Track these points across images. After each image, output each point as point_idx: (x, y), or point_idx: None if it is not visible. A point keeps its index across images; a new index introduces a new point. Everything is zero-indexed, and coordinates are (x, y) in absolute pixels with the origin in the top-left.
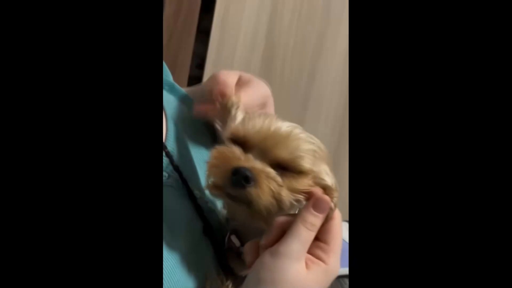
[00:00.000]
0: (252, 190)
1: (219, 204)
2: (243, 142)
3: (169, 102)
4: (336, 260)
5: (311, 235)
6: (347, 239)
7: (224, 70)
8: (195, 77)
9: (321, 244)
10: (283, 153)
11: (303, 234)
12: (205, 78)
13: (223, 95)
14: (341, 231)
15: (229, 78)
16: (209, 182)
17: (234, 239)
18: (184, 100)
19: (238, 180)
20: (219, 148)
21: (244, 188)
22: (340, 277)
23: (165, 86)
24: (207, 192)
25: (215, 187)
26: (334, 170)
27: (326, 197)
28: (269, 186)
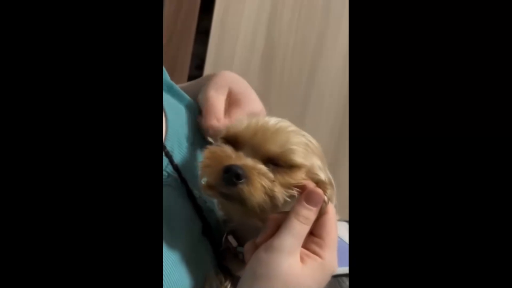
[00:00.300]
0: (244, 187)
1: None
2: (234, 141)
3: (169, 102)
4: (332, 255)
5: (305, 228)
6: (345, 239)
7: (223, 70)
8: (194, 78)
9: (316, 239)
10: (273, 148)
11: (296, 228)
12: None
13: (211, 128)
14: (335, 225)
15: (218, 101)
16: (203, 182)
17: (231, 239)
18: (189, 106)
19: (229, 178)
20: (211, 148)
21: (235, 185)
22: (338, 276)
23: (163, 86)
24: None
25: (209, 187)
26: (334, 170)
27: (319, 190)
28: (261, 182)
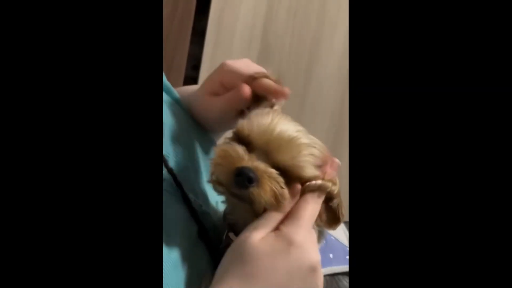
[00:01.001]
0: (254, 191)
1: (214, 203)
2: (246, 141)
3: (165, 103)
4: (293, 228)
5: (277, 213)
6: (339, 238)
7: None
8: (190, 78)
9: (284, 219)
10: (284, 158)
11: (268, 213)
12: (201, 79)
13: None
14: (304, 206)
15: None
16: (213, 178)
17: (232, 236)
18: (178, 103)
19: (241, 181)
20: (223, 147)
21: (247, 188)
22: (335, 274)
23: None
24: (201, 195)
25: (219, 184)
26: None
27: (297, 185)
28: (271, 186)
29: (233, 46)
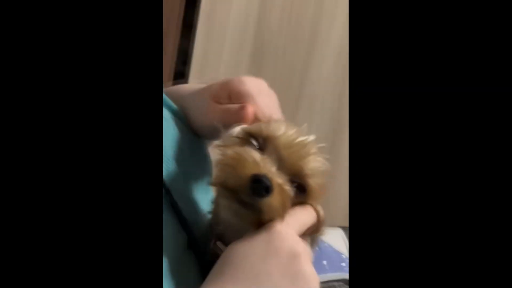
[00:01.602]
0: (267, 200)
1: (205, 212)
2: (262, 143)
3: None
4: (277, 222)
5: None
6: (336, 246)
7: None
8: (179, 73)
9: None
10: (301, 165)
11: None
12: (191, 73)
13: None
14: (296, 210)
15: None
16: (220, 180)
17: (220, 245)
18: (176, 114)
19: (258, 189)
20: (236, 149)
21: (261, 197)
22: (330, 281)
23: None
24: (191, 203)
25: (225, 188)
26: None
27: None
28: (282, 198)
29: (225, 41)
